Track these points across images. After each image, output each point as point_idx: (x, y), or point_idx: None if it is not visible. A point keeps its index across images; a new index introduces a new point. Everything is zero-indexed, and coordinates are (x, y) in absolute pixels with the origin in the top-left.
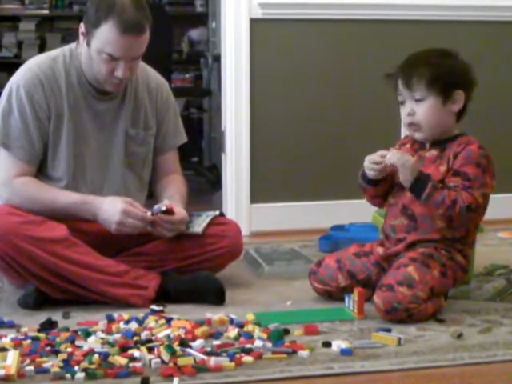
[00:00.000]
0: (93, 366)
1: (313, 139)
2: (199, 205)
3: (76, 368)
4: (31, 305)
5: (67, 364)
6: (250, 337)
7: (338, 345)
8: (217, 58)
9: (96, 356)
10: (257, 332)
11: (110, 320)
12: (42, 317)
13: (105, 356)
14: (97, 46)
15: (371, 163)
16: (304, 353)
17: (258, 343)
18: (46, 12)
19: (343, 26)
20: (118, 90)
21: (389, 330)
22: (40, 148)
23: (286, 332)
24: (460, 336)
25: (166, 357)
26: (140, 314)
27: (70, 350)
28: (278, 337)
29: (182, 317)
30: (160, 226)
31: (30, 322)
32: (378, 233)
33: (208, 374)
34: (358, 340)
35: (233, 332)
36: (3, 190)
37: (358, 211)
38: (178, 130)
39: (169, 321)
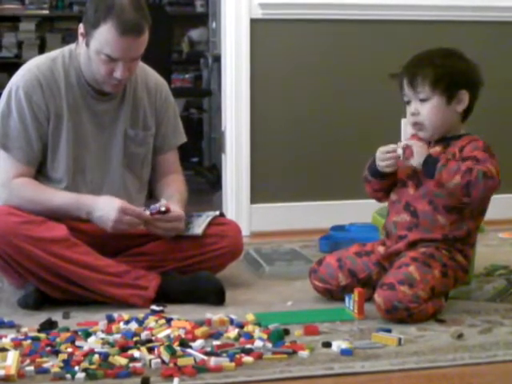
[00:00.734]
0: (93, 367)
1: (313, 139)
2: (199, 205)
3: (76, 368)
4: (31, 305)
5: (67, 364)
6: (250, 337)
7: (338, 345)
8: (217, 59)
9: (96, 356)
10: (257, 332)
11: (110, 320)
12: (41, 317)
13: (105, 356)
14: (96, 47)
15: (384, 153)
16: (304, 353)
17: (258, 343)
18: (46, 12)
19: (343, 26)
20: (117, 90)
21: (389, 331)
22: (39, 149)
23: (286, 332)
24: (460, 336)
25: (166, 357)
26: (140, 314)
27: (70, 350)
28: (278, 337)
29: (182, 317)
30: (153, 225)
31: (30, 322)
32: (379, 233)
33: (208, 375)
34: (359, 340)
35: (233, 332)
36: (2, 191)
37: (358, 211)
38: (177, 129)
39: (169, 321)
